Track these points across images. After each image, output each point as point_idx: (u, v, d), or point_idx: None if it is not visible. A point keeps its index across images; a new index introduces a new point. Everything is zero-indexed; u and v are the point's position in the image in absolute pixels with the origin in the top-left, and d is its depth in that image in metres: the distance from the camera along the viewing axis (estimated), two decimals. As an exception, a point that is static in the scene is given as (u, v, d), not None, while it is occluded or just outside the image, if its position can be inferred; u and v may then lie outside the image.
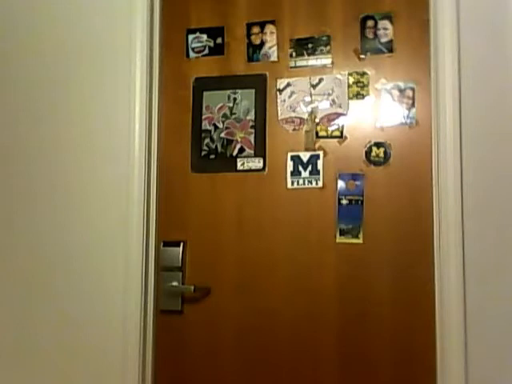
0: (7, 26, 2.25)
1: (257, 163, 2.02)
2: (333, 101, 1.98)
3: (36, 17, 2.22)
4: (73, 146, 2.14)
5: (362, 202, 1.92)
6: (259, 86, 2.05)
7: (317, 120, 1.99)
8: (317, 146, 1.98)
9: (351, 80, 1.97)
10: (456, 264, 1.77)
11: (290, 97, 2.02)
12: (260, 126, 2.03)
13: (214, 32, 2.10)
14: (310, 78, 2.01)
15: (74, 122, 2.15)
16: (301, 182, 1.98)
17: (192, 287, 1.99)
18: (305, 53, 2.02)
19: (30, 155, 2.18)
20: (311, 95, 2.00)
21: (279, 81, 2.03)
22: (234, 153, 2.05)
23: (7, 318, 2.14)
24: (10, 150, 2.20)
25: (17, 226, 2.16)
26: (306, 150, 1.99)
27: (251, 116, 2.04)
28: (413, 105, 1.90)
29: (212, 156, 2.07)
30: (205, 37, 2.11)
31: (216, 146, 2.06)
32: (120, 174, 2.07)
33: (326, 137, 1.98)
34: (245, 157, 2.04)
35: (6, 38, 2.24)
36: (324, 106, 1.99)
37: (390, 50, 1.94)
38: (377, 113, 1.94)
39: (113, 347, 2.02)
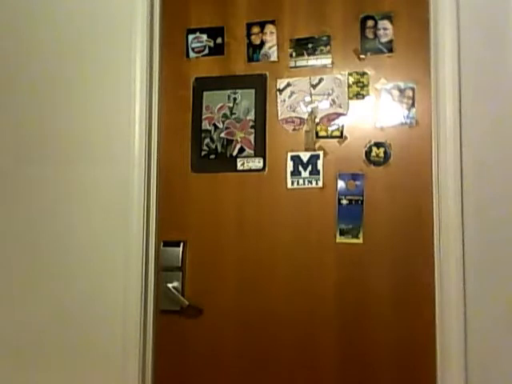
0: (7, 26, 2.25)
1: (257, 163, 2.02)
2: (333, 101, 1.98)
3: (36, 17, 2.22)
4: (73, 146, 2.14)
5: (362, 201, 1.92)
6: (259, 85, 2.05)
7: (317, 120, 1.99)
8: (317, 145, 1.98)
9: (351, 80, 1.97)
10: (456, 264, 1.77)
11: (289, 97, 2.02)
12: (260, 126, 2.03)
13: (213, 32, 2.10)
14: (310, 78, 2.01)
15: (74, 122, 2.15)
16: (301, 181, 1.98)
17: (186, 303, 2.00)
18: (305, 53, 2.02)
19: (29, 155, 2.18)
20: (311, 95, 2.00)
21: (279, 81, 2.03)
22: (234, 153, 2.05)
23: (7, 318, 2.14)
24: (9, 150, 2.20)
25: (17, 225, 2.17)
26: (306, 149, 1.99)
27: (251, 116, 2.04)
28: (413, 105, 1.90)
29: (212, 156, 2.07)
30: (205, 37, 2.11)
31: (216, 146, 2.07)
32: (120, 173, 2.07)
33: (326, 137, 1.98)
34: (245, 157, 2.04)
35: (6, 37, 2.24)
36: (324, 106, 1.99)
37: (390, 50, 1.94)
38: (377, 113, 1.94)
39: (113, 347, 2.02)
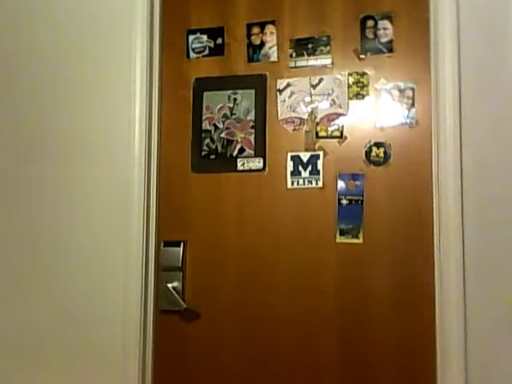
0: (7, 26, 2.25)
1: (257, 163, 2.02)
2: (333, 101, 1.98)
3: (36, 17, 2.23)
4: (73, 146, 2.14)
5: (362, 201, 1.92)
6: (259, 86, 2.05)
7: (317, 120, 1.99)
8: (317, 146, 1.98)
9: (351, 80, 1.97)
10: (456, 264, 1.77)
11: (289, 97, 2.02)
12: (260, 126, 2.03)
13: (214, 32, 2.11)
14: (309, 78, 2.01)
15: (74, 122, 2.15)
16: (301, 181, 1.98)
17: (184, 306, 2.01)
18: (305, 53, 2.02)
19: (29, 155, 2.18)
20: (311, 95, 2.00)
21: (279, 81, 2.03)
22: (235, 153, 2.05)
23: (7, 318, 2.14)
24: (9, 150, 2.20)
25: (17, 225, 2.17)
26: (306, 150, 1.99)
27: (251, 116, 2.05)
28: (413, 105, 1.90)
29: (212, 156, 2.07)
30: (205, 37, 2.11)
31: (216, 147, 2.07)
32: (120, 173, 2.07)
33: (326, 137, 1.98)
34: (245, 157, 2.04)
35: (6, 37, 2.24)
36: (324, 106, 1.99)
37: (390, 50, 1.94)
38: (377, 113, 1.94)
39: (113, 347, 2.02)
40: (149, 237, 2.05)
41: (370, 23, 1.96)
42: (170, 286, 2.02)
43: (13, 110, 2.21)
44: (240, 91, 2.07)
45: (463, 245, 1.77)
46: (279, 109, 2.03)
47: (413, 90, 1.91)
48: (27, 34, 2.22)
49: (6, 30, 2.25)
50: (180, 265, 2.03)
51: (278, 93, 2.03)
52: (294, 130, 2.01)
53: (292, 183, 1.99)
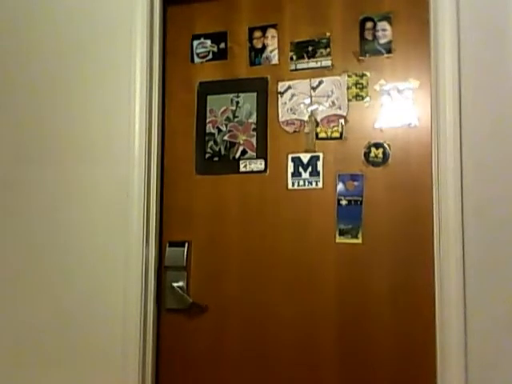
0: (7, 26, 2.26)
1: (258, 165, 2.04)
2: (332, 102, 2.00)
3: (36, 17, 2.24)
4: (73, 146, 2.15)
5: (362, 202, 1.93)
6: (261, 89, 2.07)
7: (317, 121, 2.00)
8: (317, 147, 1.99)
9: (350, 82, 1.99)
10: (456, 264, 1.77)
11: (290, 99, 2.04)
12: (261, 128, 2.05)
13: (217, 37, 2.13)
14: (310, 81, 2.02)
15: (74, 122, 2.16)
16: (301, 182, 1.99)
17: (190, 301, 2.02)
18: (305, 55, 2.04)
19: (29, 155, 2.18)
20: (311, 97, 2.02)
21: (280, 84, 2.05)
22: (237, 155, 2.07)
23: (7, 318, 2.13)
24: (9, 150, 2.20)
25: (17, 225, 2.16)
26: (306, 151, 2.00)
27: (253, 119, 2.06)
28: (412, 105, 1.92)
29: (216, 158, 2.09)
30: (209, 42, 2.14)
31: (219, 149, 2.09)
32: (120, 173, 2.08)
33: (326, 138, 1.99)
34: (247, 159, 2.06)
35: (6, 37, 2.25)
36: (324, 108, 2.00)
37: (389, 51, 1.95)
38: (376, 114, 1.95)
39: (113, 347, 2.01)
40: (149, 237, 2.05)
41: (369, 25, 1.97)
42: (175, 285, 2.03)
43: (13, 109, 2.21)
44: (242, 94, 2.09)
45: (463, 245, 1.77)
46: (280, 111, 2.04)
47: (412, 90, 1.92)
48: (27, 34, 2.23)
49: (6, 29, 2.25)
50: (184, 264, 2.04)
51: (279, 95, 2.05)
52: (295, 131, 2.02)
53: (292, 184, 2.00)
